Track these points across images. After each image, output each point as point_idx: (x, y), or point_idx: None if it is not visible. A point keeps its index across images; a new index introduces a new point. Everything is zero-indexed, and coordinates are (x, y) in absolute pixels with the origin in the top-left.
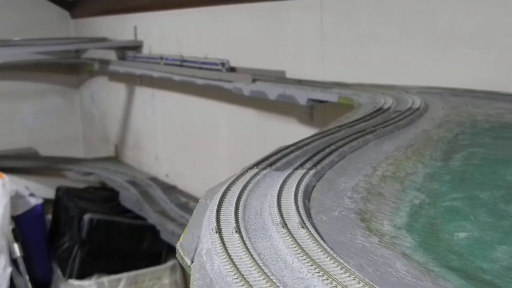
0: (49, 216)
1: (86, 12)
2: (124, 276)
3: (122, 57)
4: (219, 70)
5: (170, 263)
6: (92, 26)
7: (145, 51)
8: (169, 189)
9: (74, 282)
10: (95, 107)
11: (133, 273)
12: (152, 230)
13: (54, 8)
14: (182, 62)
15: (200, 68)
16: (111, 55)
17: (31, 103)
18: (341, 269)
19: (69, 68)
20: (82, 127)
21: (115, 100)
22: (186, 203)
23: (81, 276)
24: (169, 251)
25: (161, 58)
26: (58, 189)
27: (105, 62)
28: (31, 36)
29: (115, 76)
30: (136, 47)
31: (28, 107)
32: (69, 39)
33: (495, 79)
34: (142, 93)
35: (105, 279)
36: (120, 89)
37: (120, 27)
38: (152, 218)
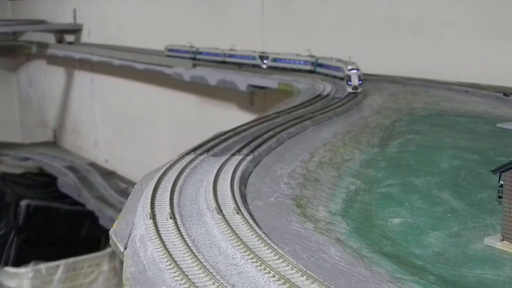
0: None
1: None
2: (62, 263)
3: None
4: None
5: (109, 249)
6: (30, 8)
7: (85, 35)
8: (109, 175)
9: (10, 269)
10: (32, 91)
11: (71, 260)
12: (91, 216)
13: None
14: (316, 66)
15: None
16: (50, 38)
17: None
18: (275, 255)
19: (5, 51)
20: (19, 111)
21: (54, 84)
22: (126, 189)
23: (18, 263)
24: (108, 237)
25: (280, 59)
26: None
27: (43, 45)
28: None
29: (54, 60)
30: (75, 30)
31: None
32: (6, 21)
33: (432, 67)
34: (82, 78)
35: (42, 266)
36: (58, 73)
37: (59, 9)
38: (91, 204)
